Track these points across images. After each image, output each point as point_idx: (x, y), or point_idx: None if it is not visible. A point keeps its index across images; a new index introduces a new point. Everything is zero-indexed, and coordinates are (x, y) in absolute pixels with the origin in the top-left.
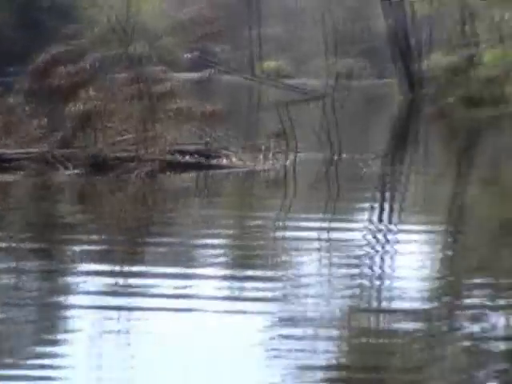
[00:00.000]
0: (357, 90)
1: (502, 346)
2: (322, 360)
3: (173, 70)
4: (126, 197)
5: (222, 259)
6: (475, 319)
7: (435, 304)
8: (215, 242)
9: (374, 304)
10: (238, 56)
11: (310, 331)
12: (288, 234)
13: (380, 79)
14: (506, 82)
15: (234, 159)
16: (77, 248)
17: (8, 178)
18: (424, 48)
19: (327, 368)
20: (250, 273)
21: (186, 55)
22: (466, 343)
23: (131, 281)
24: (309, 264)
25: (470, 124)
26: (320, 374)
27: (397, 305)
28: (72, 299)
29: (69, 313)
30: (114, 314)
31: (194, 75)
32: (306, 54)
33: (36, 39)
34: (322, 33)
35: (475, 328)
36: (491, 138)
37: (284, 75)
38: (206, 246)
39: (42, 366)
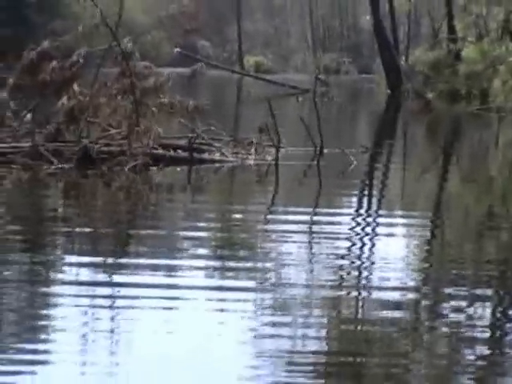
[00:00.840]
0: (343, 85)
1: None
2: (303, 345)
3: (158, 65)
4: (115, 190)
5: (207, 250)
6: (455, 307)
7: (417, 292)
8: (201, 234)
9: (356, 292)
10: (222, 51)
11: (292, 317)
12: (275, 223)
13: (365, 74)
14: (488, 77)
15: (218, 154)
16: (66, 239)
17: (0, 171)
18: (409, 43)
19: (310, 352)
20: (233, 263)
21: (174, 50)
22: (448, 330)
23: (118, 269)
24: (295, 251)
25: (452, 118)
26: (301, 359)
27: (380, 293)
28: (59, 288)
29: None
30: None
31: (182, 70)
32: (291, 49)
33: (24, 35)
34: (307, 28)
35: (456, 315)
36: (472, 132)
37: (267, 70)
38: (192, 238)
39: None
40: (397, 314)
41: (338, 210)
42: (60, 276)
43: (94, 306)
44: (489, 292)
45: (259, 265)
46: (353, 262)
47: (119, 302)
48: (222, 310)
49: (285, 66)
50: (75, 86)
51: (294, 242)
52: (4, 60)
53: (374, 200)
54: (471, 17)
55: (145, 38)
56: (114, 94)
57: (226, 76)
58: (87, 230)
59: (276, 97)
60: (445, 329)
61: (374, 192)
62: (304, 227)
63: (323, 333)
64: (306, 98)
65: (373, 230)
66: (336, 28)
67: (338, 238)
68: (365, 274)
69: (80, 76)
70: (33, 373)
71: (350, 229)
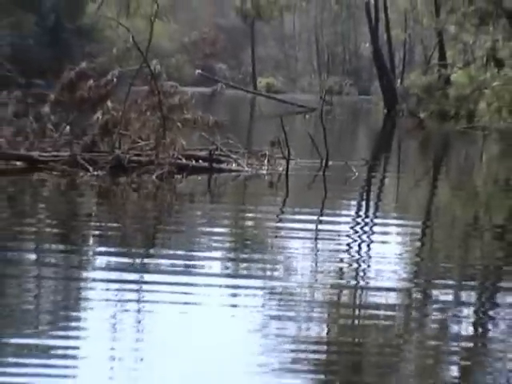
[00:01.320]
0: (344, 104)
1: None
2: (307, 335)
3: (181, 85)
4: (144, 194)
5: (222, 249)
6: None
7: (409, 282)
8: (221, 230)
9: (354, 283)
10: (237, 73)
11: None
12: (285, 222)
13: (364, 95)
14: (474, 100)
15: (235, 164)
16: (98, 236)
17: (43, 176)
18: (404, 68)
19: (312, 341)
20: (245, 264)
21: (196, 72)
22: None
23: (144, 261)
24: (301, 247)
25: (442, 135)
26: (304, 347)
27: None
28: (90, 274)
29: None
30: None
31: (203, 89)
32: (299, 72)
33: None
34: (314, 54)
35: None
36: (459, 147)
37: (277, 90)
38: (212, 234)
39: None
40: (390, 311)
41: (340, 212)
42: (90, 273)
43: (120, 300)
44: (472, 284)
45: (268, 262)
46: (351, 257)
47: (143, 297)
48: (234, 306)
49: (293, 87)
50: (109, 103)
51: (301, 239)
52: (45, 78)
53: (372, 204)
54: (460, 45)
55: (169, 61)
56: (144, 110)
57: (241, 95)
58: (117, 228)
59: (285, 114)
60: (433, 315)
61: (372, 198)
62: (310, 226)
63: (324, 324)
64: (312, 116)
65: (370, 229)
66: (339, 54)
67: (339, 236)
68: (363, 267)
69: (113, 93)
70: (65, 356)
71: (351, 228)
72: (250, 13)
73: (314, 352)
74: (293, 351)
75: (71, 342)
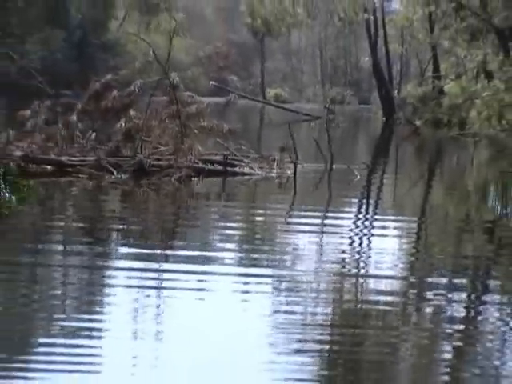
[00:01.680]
0: (346, 113)
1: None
2: (313, 319)
3: (197, 95)
4: (164, 195)
5: (235, 242)
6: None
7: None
8: (234, 224)
9: (356, 274)
10: (248, 84)
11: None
12: (293, 219)
13: (364, 105)
14: (466, 109)
15: (247, 168)
16: (121, 232)
17: (70, 179)
18: (401, 79)
19: (318, 325)
20: (256, 255)
21: (210, 83)
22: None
23: (163, 251)
24: (307, 241)
25: (436, 141)
26: (310, 331)
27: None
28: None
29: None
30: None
31: (217, 99)
32: (304, 83)
33: (88, 70)
34: (318, 67)
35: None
36: (452, 152)
37: (284, 100)
38: (226, 228)
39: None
40: (389, 297)
41: (343, 210)
42: (114, 262)
43: (142, 286)
44: (462, 277)
45: (277, 253)
46: (353, 249)
47: (162, 284)
48: (245, 292)
49: (299, 97)
50: (131, 111)
51: (308, 232)
52: (72, 89)
53: (372, 203)
54: (452, 58)
55: (186, 73)
56: (164, 118)
57: (251, 105)
58: (139, 223)
59: (293, 122)
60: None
61: (372, 197)
62: (316, 221)
63: (329, 309)
64: (316, 124)
65: (371, 224)
66: (341, 67)
67: (343, 230)
68: (363, 259)
69: (135, 103)
70: (90, 337)
71: (353, 223)
72: (259, 29)
73: (320, 334)
74: (300, 333)
75: (96, 324)
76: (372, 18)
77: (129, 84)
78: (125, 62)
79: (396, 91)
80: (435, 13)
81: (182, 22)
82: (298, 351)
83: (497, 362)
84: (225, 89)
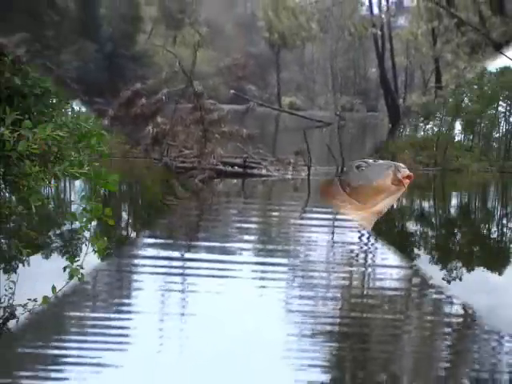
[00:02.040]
0: (355, 120)
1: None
2: (324, 305)
3: (218, 103)
4: (191, 193)
5: (253, 236)
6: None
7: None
8: (252, 219)
9: (363, 268)
10: (264, 93)
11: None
12: (306, 216)
13: (371, 112)
14: None
15: (265, 170)
16: (149, 225)
17: None
18: (406, 89)
19: (328, 312)
20: (272, 246)
21: (230, 92)
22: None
23: (187, 242)
24: (319, 237)
25: None
26: (321, 317)
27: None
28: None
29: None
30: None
31: (237, 107)
32: (316, 92)
33: (118, 79)
34: (329, 77)
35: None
36: None
37: (298, 108)
38: (245, 222)
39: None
40: (393, 288)
41: None
42: (141, 251)
43: (167, 274)
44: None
45: (291, 244)
46: (361, 242)
47: (186, 271)
48: (262, 279)
49: (312, 105)
50: (159, 118)
51: (320, 228)
52: (103, 97)
53: None
54: (453, 70)
55: (207, 83)
56: (188, 123)
57: (268, 112)
58: (165, 217)
59: (306, 128)
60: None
61: None
62: (328, 218)
63: (338, 298)
64: (328, 130)
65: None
66: (351, 77)
67: (351, 226)
68: (370, 255)
69: (162, 110)
70: (119, 319)
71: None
72: (276, 42)
73: (328, 321)
74: (312, 324)
75: (126, 304)
76: (380, 32)
77: (156, 92)
78: (152, 72)
79: (401, 100)
80: (438, 28)
81: (204, 35)
82: (310, 338)
83: None
84: (243, 97)
